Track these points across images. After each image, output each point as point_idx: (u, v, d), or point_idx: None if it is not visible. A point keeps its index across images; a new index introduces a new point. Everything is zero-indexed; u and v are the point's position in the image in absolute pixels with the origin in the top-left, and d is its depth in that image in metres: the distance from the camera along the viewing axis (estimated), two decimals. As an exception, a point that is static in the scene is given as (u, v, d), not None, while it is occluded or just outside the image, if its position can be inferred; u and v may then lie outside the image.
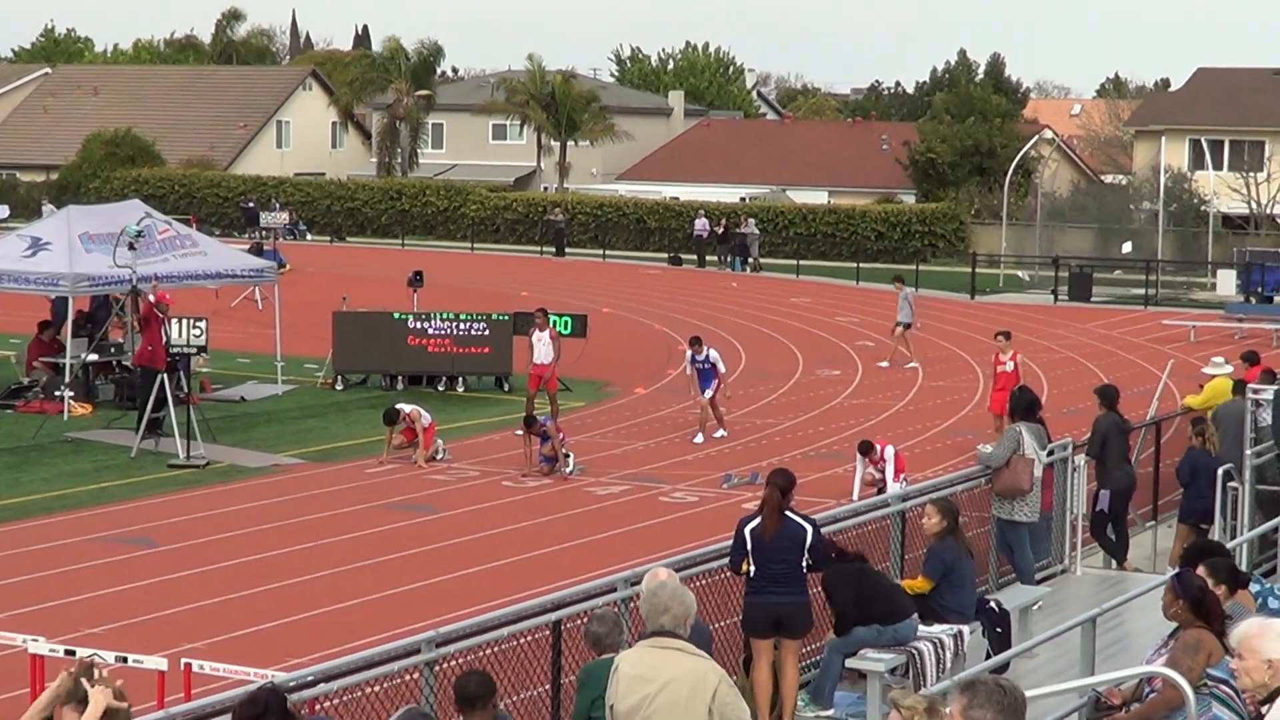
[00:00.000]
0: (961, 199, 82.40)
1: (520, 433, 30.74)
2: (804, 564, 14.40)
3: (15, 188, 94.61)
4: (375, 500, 26.82)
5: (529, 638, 12.98)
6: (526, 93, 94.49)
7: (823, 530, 15.06)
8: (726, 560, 14.69)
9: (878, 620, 14.65)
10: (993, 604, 16.31)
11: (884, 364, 43.02)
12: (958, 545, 15.81)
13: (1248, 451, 20.59)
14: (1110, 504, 20.87)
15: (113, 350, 35.82)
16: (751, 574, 14.47)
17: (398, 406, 30.37)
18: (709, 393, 32.10)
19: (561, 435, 29.31)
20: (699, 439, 32.19)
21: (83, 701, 9.14)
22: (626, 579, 13.78)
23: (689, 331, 33.00)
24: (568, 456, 28.97)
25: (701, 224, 76.62)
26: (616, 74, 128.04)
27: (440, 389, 37.13)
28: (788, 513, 14.47)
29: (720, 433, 32.52)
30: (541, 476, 28.63)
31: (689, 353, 32.66)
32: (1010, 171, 75.50)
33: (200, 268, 36.13)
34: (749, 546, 14.39)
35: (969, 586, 15.90)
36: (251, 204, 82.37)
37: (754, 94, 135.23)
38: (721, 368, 32.30)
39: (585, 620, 12.20)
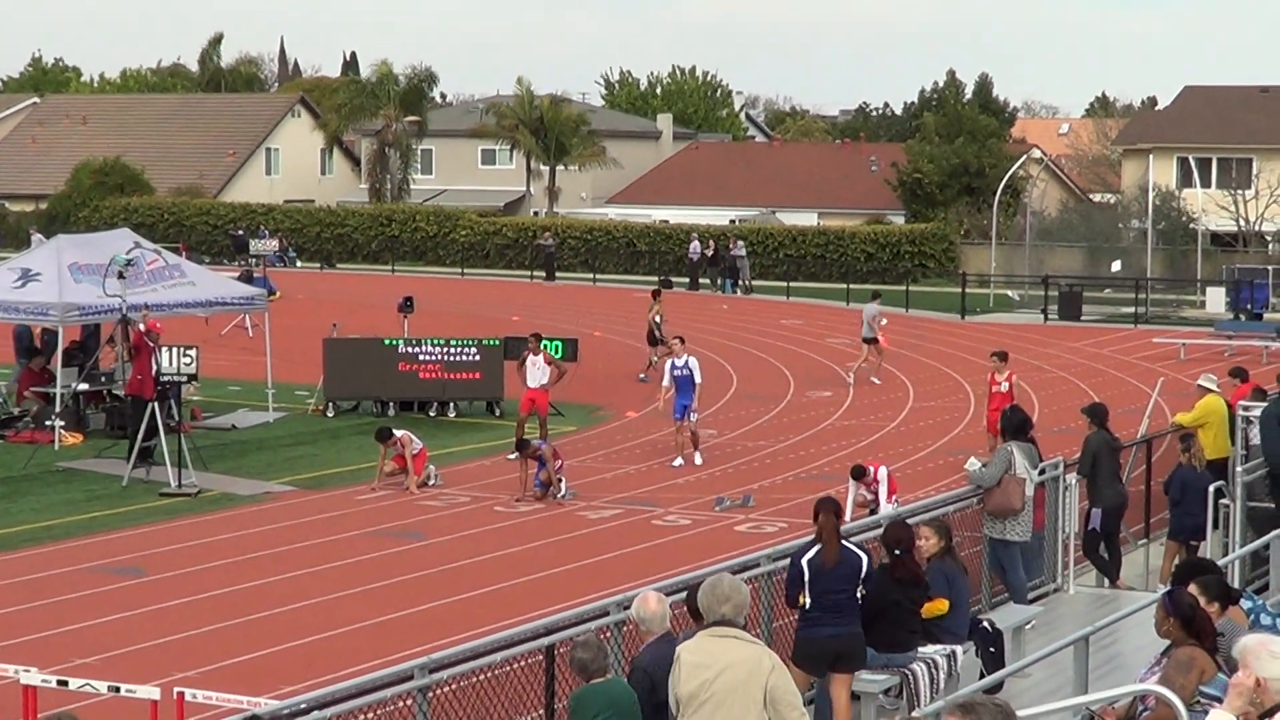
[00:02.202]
0: (950, 219, 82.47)
1: (511, 457, 30.66)
2: (858, 593, 14.25)
3: (4, 217, 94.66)
4: (367, 527, 26.79)
5: (522, 663, 12.96)
6: (515, 117, 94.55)
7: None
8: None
9: (874, 645, 14.58)
10: (986, 624, 16.31)
11: (875, 380, 43.11)
12: (955, 565, 15.81)
13: (1238, 469, 20.61)
14: (1102, 522, 20.87)
15: (103, 379, 35.78)
16: (807, 605, 14.16)
17: (390, 428, 30.38)
18: (682, 410, 31.80)
19: (560, 462, 29.21)
20: (678, 463, 32.06)
21: None
22: (619, 603, 13.76)
23: (670, 356, 32.78)
24: (560, 481, 28.93)
25: (695, 247, 76.72)
26: (605, 98, 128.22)
27: (431, 414, 37.09)
28: (843, 541, 14.32)
29: (697, 459, 32.14)
30: (534, 501, 28.60)
31: (670, 360, 32.40)
32: (999, 191, 75.62)
33: (190, 297, 36.11)
34: (807, 577, 14.07)
35: (963, 606, 15.89)
36: (241, 231, 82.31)
37: (742, 116, 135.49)
38: (698, 379, 31.99)
39: (570, 648, 12.19)
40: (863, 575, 14.12)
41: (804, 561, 14.11)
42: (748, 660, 10.39)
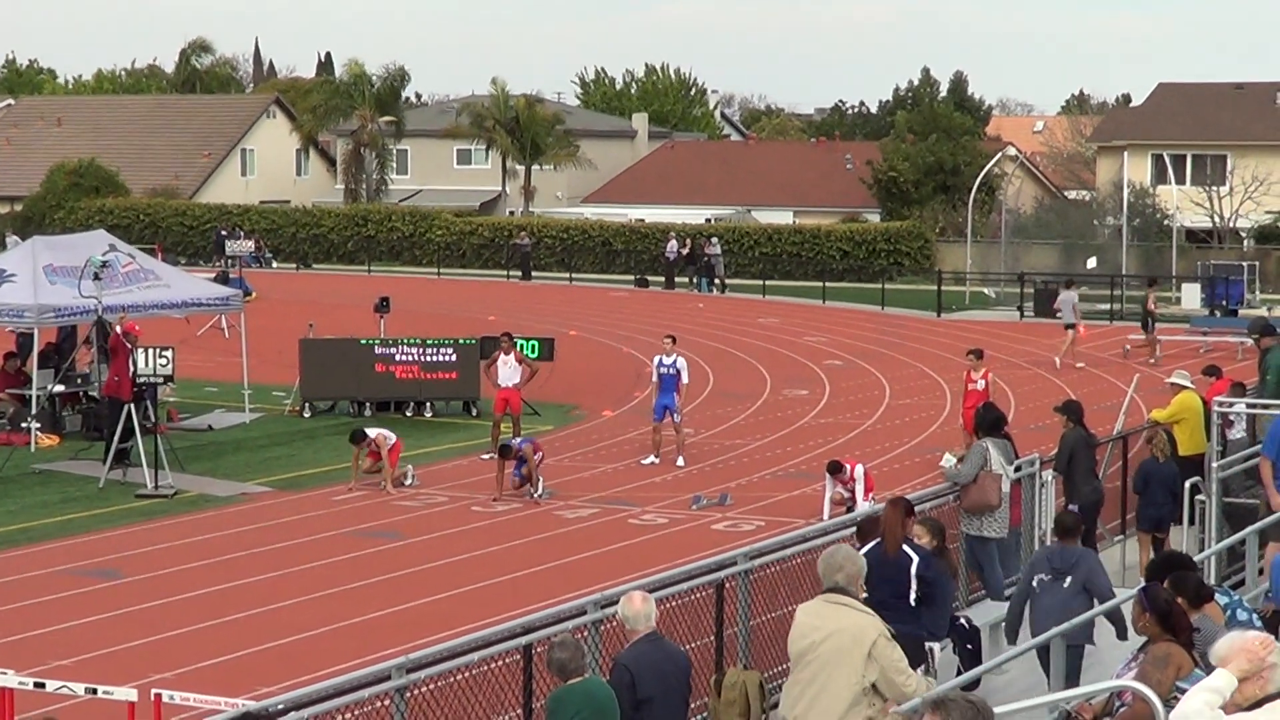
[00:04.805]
0: (926, 217, 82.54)
1: (486, 457, 30.55)
2: (913, 595, 14.31)
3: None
4: (344, 527, 26.75)
5: (500, 662, 12.95)
6: (491, 117, 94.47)
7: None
8: (679, 583, 14.64)
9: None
10: (963, 621, 16.32)
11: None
12: (943, 565, 15.79)
13: (1214, 464, 20.67)
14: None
15: (79, 381, 35.70)
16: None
17: (364, 429, 30.34)
18: (662, 411, 31.70)
19: (540, 456, 29.15)
20: (649, 460, 31.99)
21: None
22: (596, 602, 13.77)
23: (657, 353, 32.70)
24: (538, 481, 28.87)
25: (672, 245, 76.75)
26: (581, 97, 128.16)
27: (408, 415, 37.06)
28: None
29: (680, 461, 31.99)
30: (511, 499, 28.54)
31: (657, 357, 32.25)
32: (974, 189, 75.68)
33: (165, 298, 36.05)
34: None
35: (946, 606, 15.86)
36: (226, 232, 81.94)
37: (717, 115, 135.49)
38: (684, 379, 31.98)
39: (547, 648, 12.19)
40: (914, 574, 14.25)
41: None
42: (854, 628, 11.14)
